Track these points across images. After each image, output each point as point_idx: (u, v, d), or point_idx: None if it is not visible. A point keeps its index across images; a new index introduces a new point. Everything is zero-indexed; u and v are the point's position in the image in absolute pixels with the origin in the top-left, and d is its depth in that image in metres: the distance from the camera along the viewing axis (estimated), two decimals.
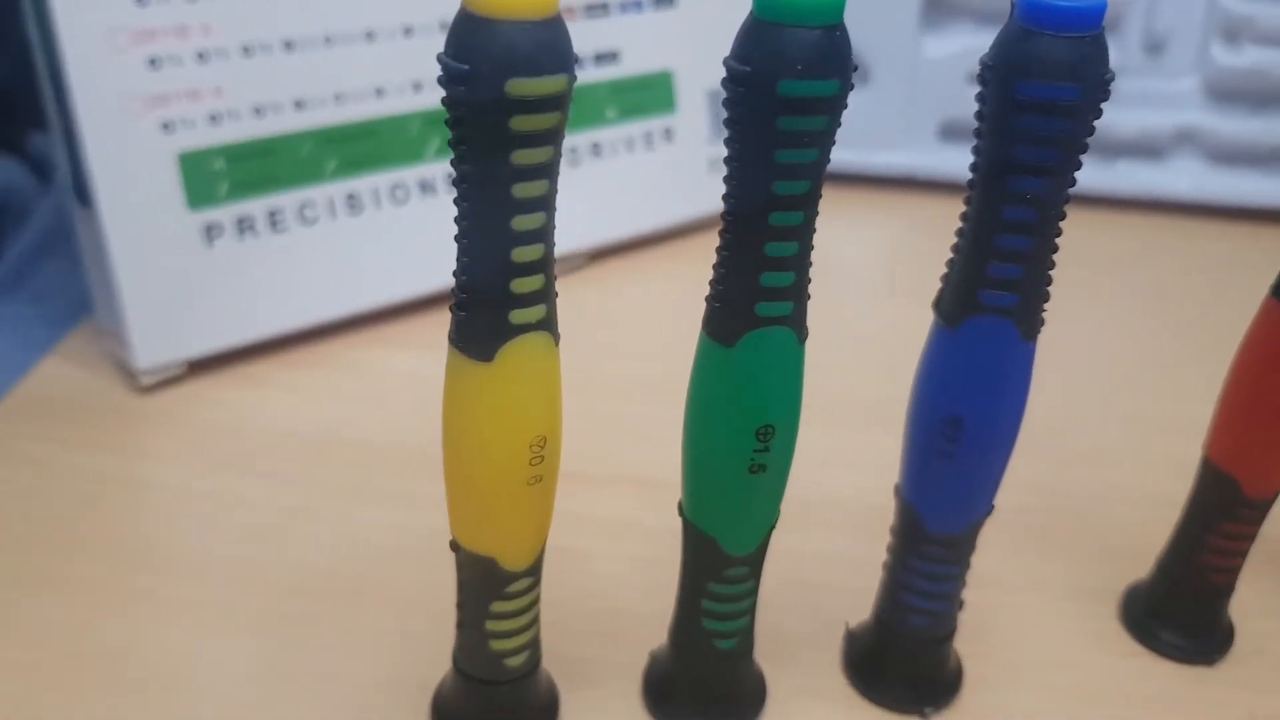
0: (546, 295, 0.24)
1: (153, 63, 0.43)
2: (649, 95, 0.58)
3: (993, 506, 0.30)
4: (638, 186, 0.58)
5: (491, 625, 0.28)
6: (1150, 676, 0.35)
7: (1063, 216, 0.26)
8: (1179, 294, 0.62)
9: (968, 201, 0.26)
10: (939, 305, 0.28)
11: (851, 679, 0.33)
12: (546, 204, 0.23)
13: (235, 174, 0.45)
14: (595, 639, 0.35)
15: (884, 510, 0.32)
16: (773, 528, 0.29)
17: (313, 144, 0.47)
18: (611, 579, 0.37)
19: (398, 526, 0.39)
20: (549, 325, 0.25)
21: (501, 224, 0.23)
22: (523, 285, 0.23)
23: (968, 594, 0.37)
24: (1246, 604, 0.37)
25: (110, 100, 0.42)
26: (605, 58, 0.56)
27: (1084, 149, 0.25)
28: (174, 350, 0.45)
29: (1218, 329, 0.42)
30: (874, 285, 0.62)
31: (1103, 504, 0.43)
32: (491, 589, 0.28)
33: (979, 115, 0.25)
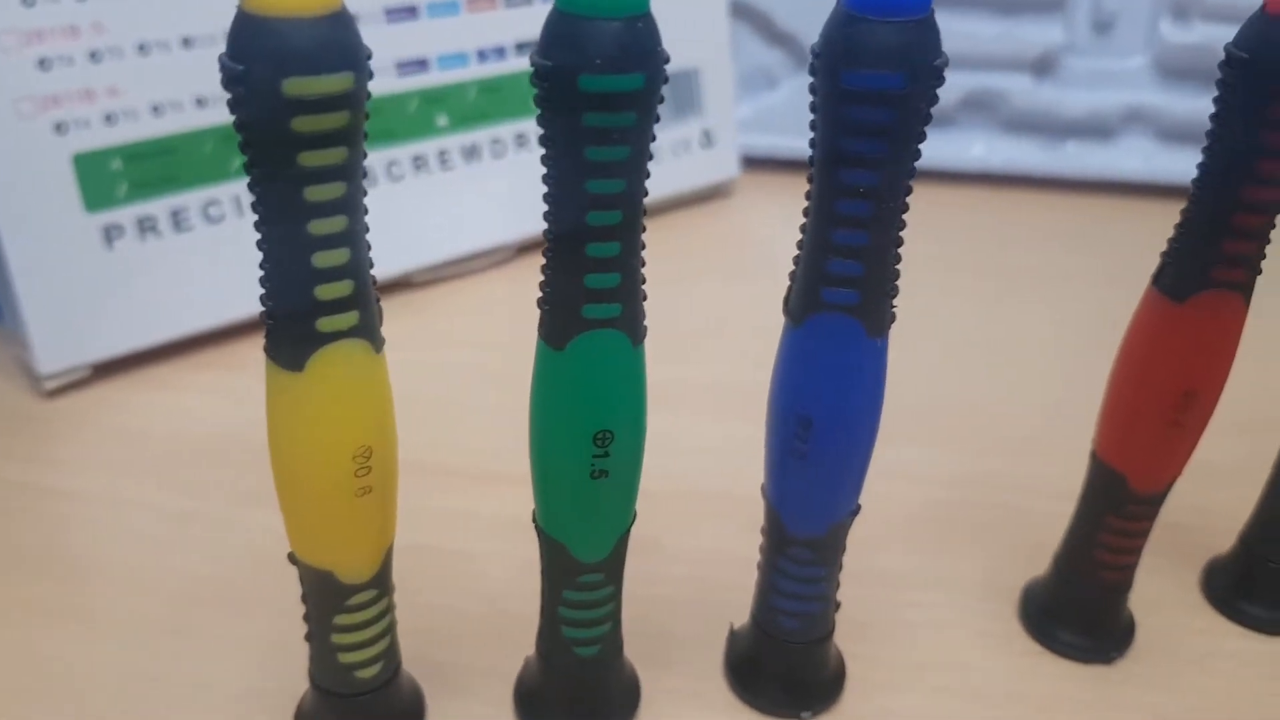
0: (359, 301, 0.23)
1: (42, 63, 0.42)
2: None
3: (858, 507, 0.29)
4: None
5: (337, 638, 0.28)
6: (1046, 677, 0.34)
7: (904, 209, 0.25)
8: (1129, 276, 0.60)
9: (808, 196, 0.26)
10: (786, 303, 0.27)
11: (731, 682, 0.33)
12: (347, 207, 0.22)
13: (134, 174, 0.45)
14: (476, 645, 0.34)
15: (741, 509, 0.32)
16: (626, 533, 0.28)
17: (215, 142, 0.46)
18: (499, 581, 0.37)
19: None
20: (365, 332, 0.24)
21: (298, 229, 0.22)
22: (328, 292, 0.23)
23: (867, 592, 0.37)
24: (1150, 598, 0.37)
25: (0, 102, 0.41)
26: (527, 47, 0.55)
27: (919, 139, 0.24)
28: (77, 354, 0.45)
29: None
30: None
31: (1021, 497, 0.42)
32: (332, 602, 0.27)
33: (811, 106, 0.24)
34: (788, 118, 0.67)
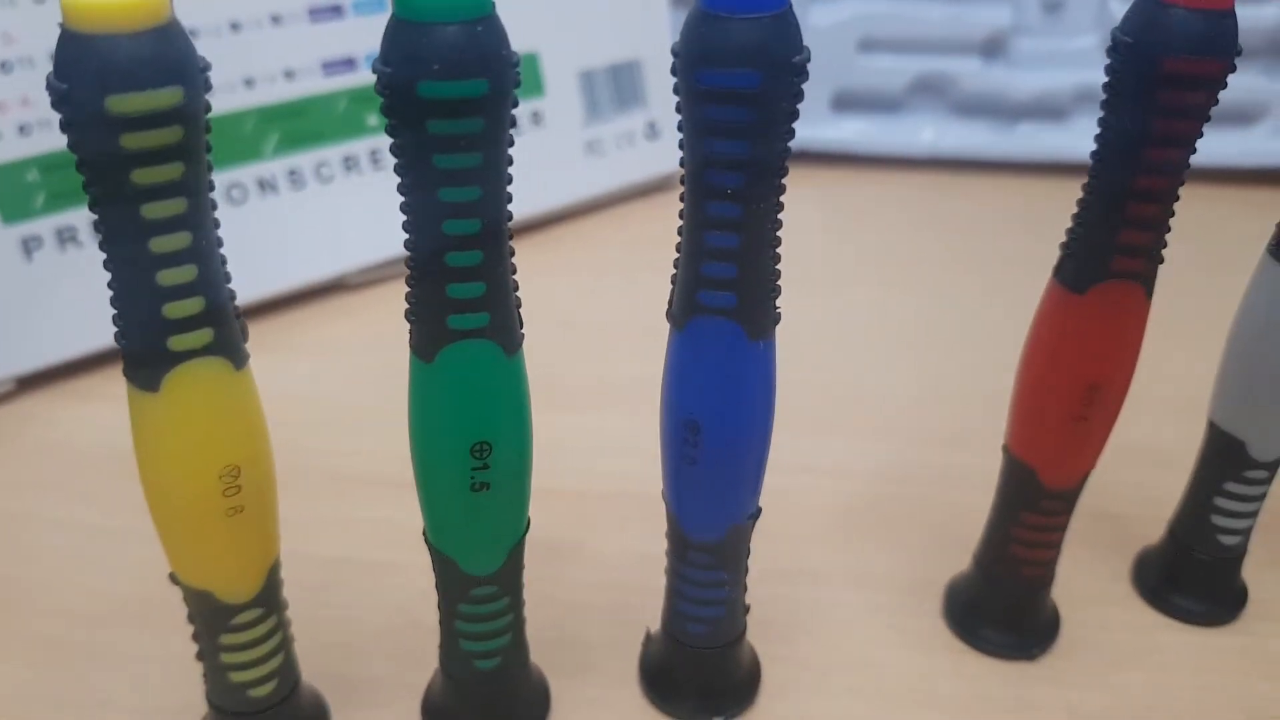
0: (213, 319, 0.23)
1: None
2: (524, 78, 0.56)
3: (758, 510, 0.29)
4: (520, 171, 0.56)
5: (226, 658, 0.27)
6: (968, 676, 0.33)
7: (778, 209, 0.24)
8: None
9: (682, 198, 0.25)
10: (669, 308, 0.26)
11: (645, 689, 0.32)
12: (190, 223, 0.22)
13: (52, 185, 0.44)
14: (388, 657, 0.34)
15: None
16: (519, 544, 0.27)
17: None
18: (417, 593, 0.36)
19: None
20: (224, 349, 0.23)
21: (139, 248, 0.21)
22: (177, 310, 0.22)
23: (789, 591, 0.36)
24: (1081, 590, 0.36)
25: None
26: None
27: (784, 137, 0.23)
28: None
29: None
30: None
31: (951, 490, 0.41)
32: (216, 621, 0.26)
33: (677, 107, 0.24)
34: None
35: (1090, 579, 0.37)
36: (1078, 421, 0.29)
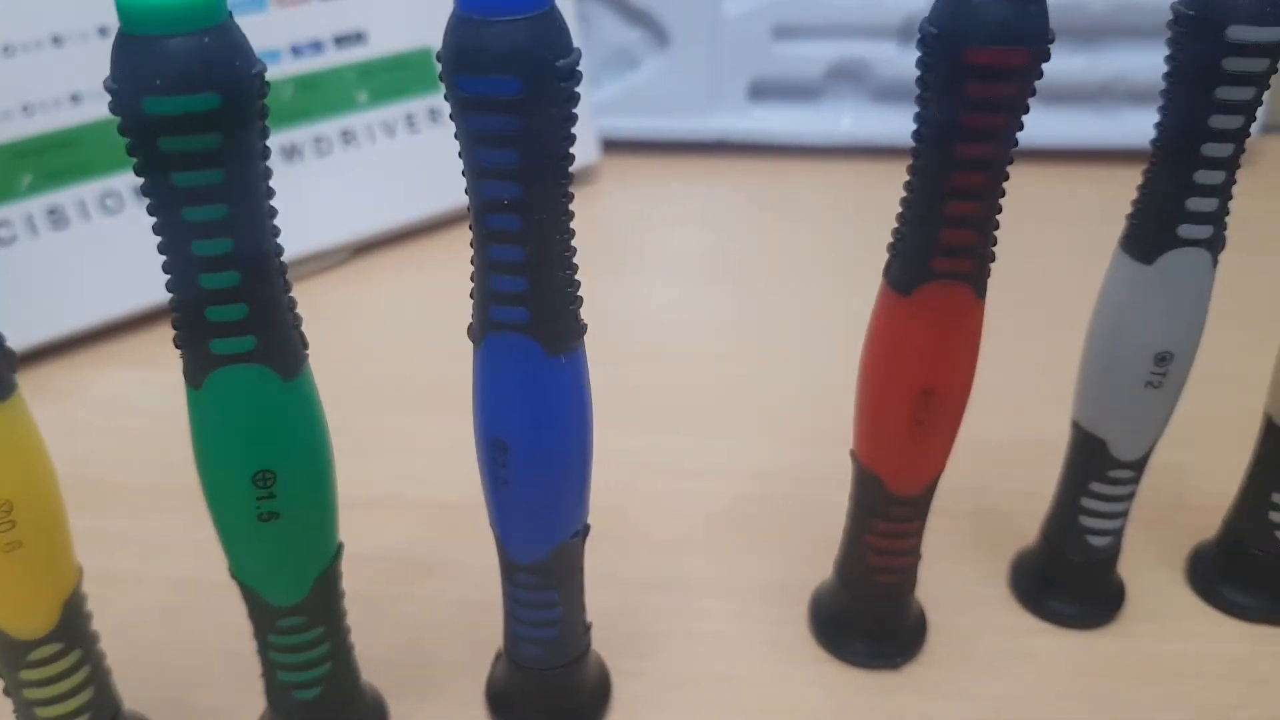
0: None
1: None
2: (406, 75, 0.55)
3: (585, 527, 0.28)
4: (402, 172, 0.55)
5: (28, 693, 0.26)
6: (830, 687, 0.32)
7: (567, 217, 0.23)
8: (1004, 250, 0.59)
9: (468, 209, 0.24)
10: (470, 325, 0.25)
11: (490, 711, 0.31)
12: None
13: None
14: (237, 686, 0.32)
15: None
16: (327, 573, 0.26)
17: (3, 158, 0.44)
18: None
19: None
20: None
21: None
22: None
23: (653, 601, 0.35)
24: (957, 594, 0.35)
25: None
26: (349, 39, 0.53)
27: (562, 143, 0.22)
28: None
29: (1043, 285, 0.39)
30: (690, 264, 0.59)
31: (833, 491, 0.40)
32: (12, 657, 0.25)
33: (450, 116, 0.22)
34: (652, 98, 0.65)
35: (967, 582, 0.36)
36: (916, 427, 0.28)
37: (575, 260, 0.24)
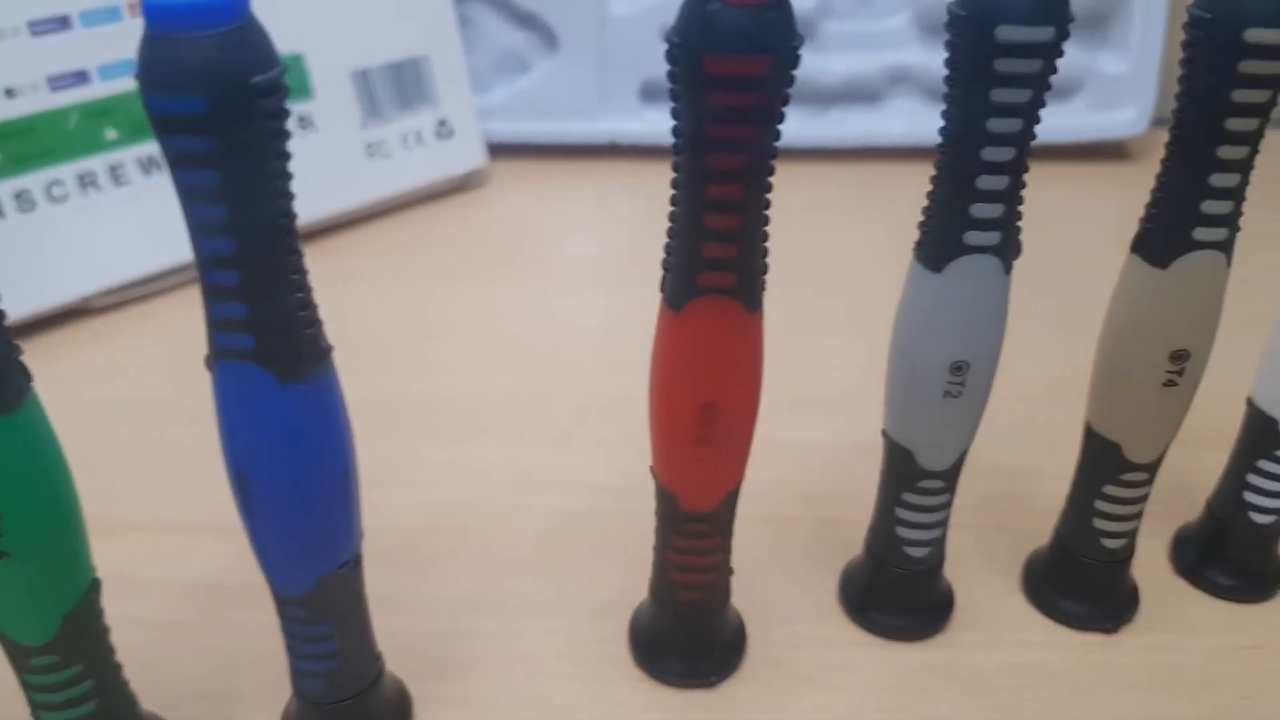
0: None
1: None
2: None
3: (353, 557, 0.27)
4: None
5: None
6: (641, 707, 0.32)
7: (289, 237, 0.22)
8: (899, 246, 0.58)
9: None
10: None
11: None
12: None
13: None
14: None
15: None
16: (78, 609, 0.25)
17: None
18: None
19: None
20: None
21: None
22: None
23: (467, 623, 0.34)
24: (785, 607, 0.35)
25: None
26: None
27: (274, 159, 0.21)
28: None
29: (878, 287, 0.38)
30: (584, 271, 0.58)
31: None
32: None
33: None
34: (542, 101, 0.64)
35: (796, 593, 0.36)
36: (700, 443, 0.27)
37: (308, 282, 0.23)
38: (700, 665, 0.32)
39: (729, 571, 0.32)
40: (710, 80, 0.23)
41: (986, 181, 0.27)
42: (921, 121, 0.64)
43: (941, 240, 0.28)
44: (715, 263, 0.25)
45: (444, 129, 0.60)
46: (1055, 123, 0.64)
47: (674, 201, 0.25)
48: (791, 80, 0.23)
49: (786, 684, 0.32)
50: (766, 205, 0.25)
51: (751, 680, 0.33)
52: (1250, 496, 0.35)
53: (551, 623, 0.34)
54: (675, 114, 0.24)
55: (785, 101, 0.24)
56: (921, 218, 0.28)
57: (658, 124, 0.65)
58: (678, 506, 0.29)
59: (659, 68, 0.66)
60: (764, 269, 0.26)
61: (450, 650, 0.33)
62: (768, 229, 0.26)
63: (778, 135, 0.24)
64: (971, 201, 0.27)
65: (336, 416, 0.25)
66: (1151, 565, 0.37)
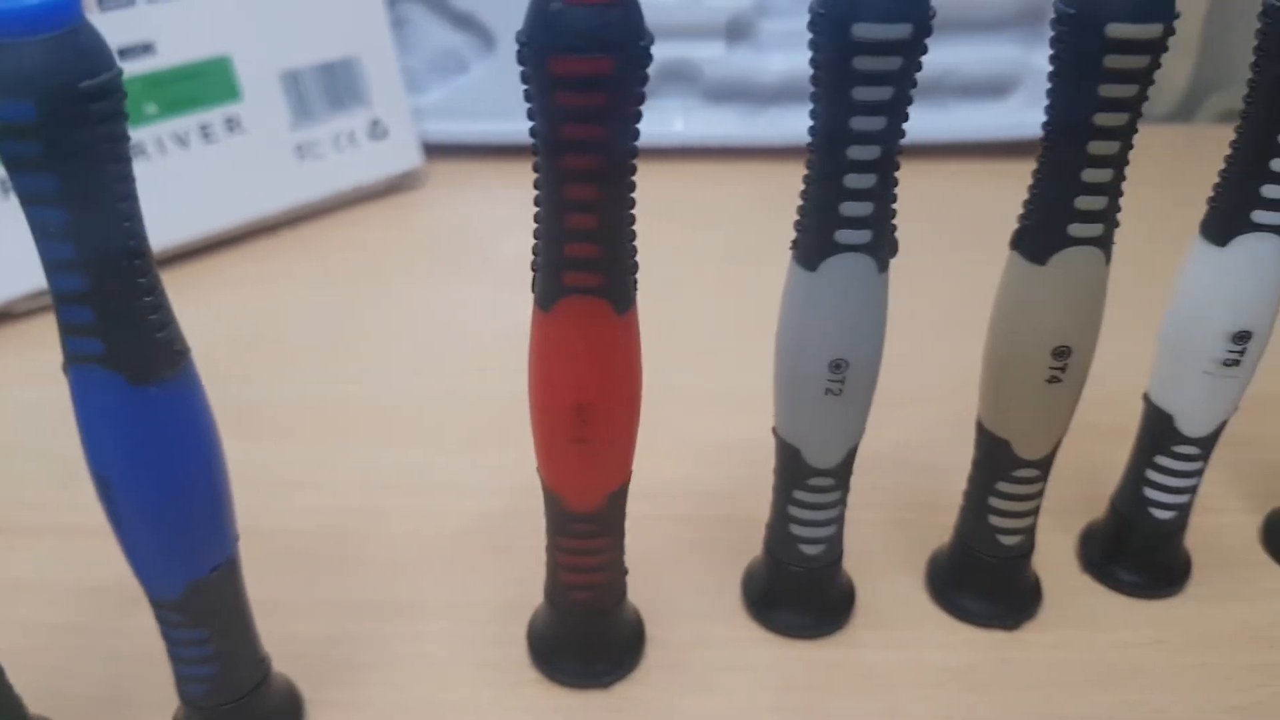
0: None
1: None
2: (200, 85, 0.53)
3: (226, 560, 0.27)
4: (198, 184, 0.53)
5: None
6: (535, 711, 0.32)
7: (136, 241, 0.22)
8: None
9: None
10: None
11: None
12: None
13: None
14: None
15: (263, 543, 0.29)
16: None
17: None
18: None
19: None
20: None
21: None
22: None
23: (367, 626, 0.34)
24: (683, 607, 0.35)
25: None
26: (135, 50, 0.51)
27: (119, 164, 0.21)
28: None
29: None
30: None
31: None
32: None
33: None
34: (480, 101, 0.64)
35: (699, 591, 0.36)
36: (578, 444, 0.27)
37: (158, 284, 0.23)
38: (594, 666, 0.32)
39: (622, 571, 0.32)
40: (556, 80, 0.23)
41: (854, 180, 0.27)
42: None
43: (814, 239, 0.28)
44: (579, 262, 0.25)
45: (377, 129, 0.60)
46: (992, 120, 0.64)
47: (537, 202, 0.25)
48: (643, 79, 0.23)
49: (683, 684, 0.32)
50: (630, 204, 0.25)
51: (648, 680, 0.32)
52: (1150, 493, 0.35)
53: (452, 625, 0.34)
54: (530, 114, 0.24)
55: (639, 100, 0.24)
56: (797, 216, 0.28)
57: None
58: (562, 507, 0.29)
59: None
60: (633, 268, 0.26)
61: (348, 653, 0.33)
62: (634, 228, 0.26)
63: (635, 134, 0.24)
64: (841, 200, 0.27)
65: (196, 419, 0.24)
66: (1059, 561, 0.37)
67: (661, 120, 0.65)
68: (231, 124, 0.54)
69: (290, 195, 0.57)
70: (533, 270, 0.26)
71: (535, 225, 0.26)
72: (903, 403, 0.44)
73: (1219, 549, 0.37)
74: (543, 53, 0.22)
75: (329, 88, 0.58)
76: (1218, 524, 0.39)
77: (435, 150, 0.64)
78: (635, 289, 0.26)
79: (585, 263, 0.25)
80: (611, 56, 0.22)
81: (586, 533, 0.30)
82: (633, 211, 0.25)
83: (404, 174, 0.61)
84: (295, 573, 0.36)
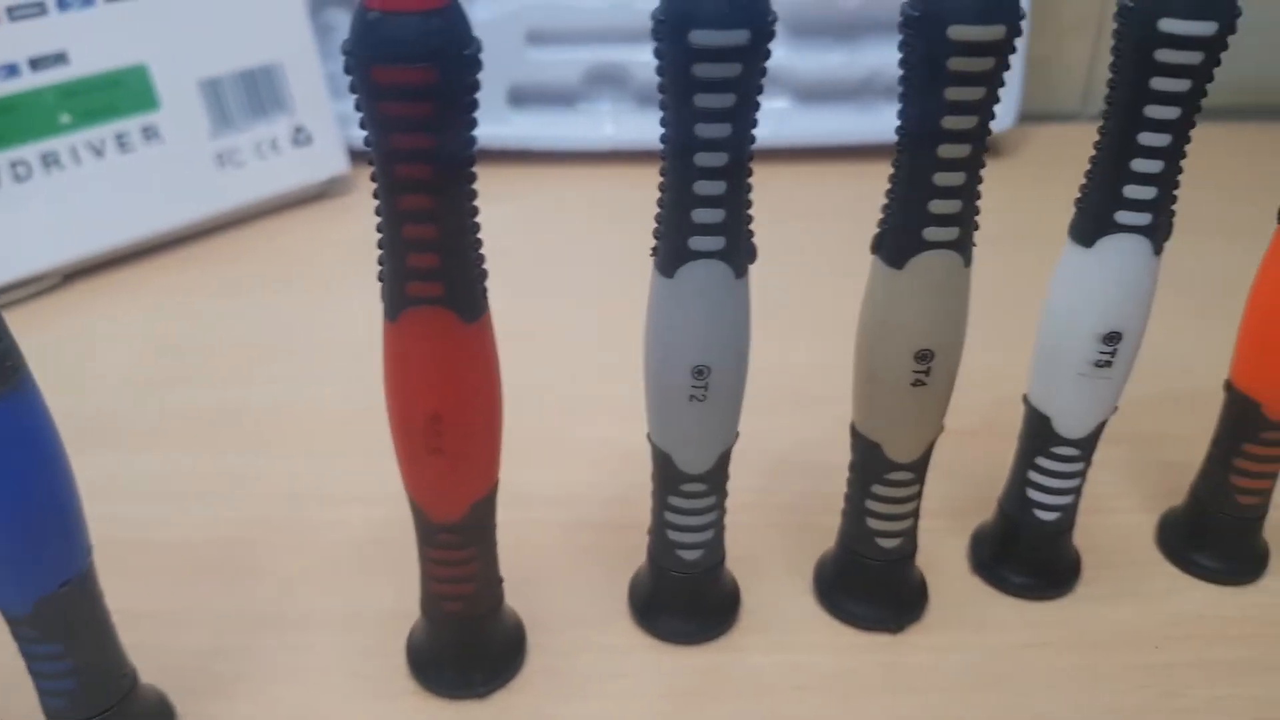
0: None
1: None
2: (116, 94, 0.53)
3: (76, 575, 0.26)
4: (114, 193, 0.53)
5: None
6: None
7: None
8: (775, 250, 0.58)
9: None
10: None
11: None
12: None
13: None
14: None
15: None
16: None
17: None
18: None
19: None
20: None
21: None
22: None
23: (250, 639, 0.34)
24: (568, 613, 0.35)
25: None
26: (47, 60, 0.51)
27: None
28: None
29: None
30: None
31: None
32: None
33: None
34: None
35: (584, 597, 0.35)
36: (435, 454, 0.27)
37: None
38: (470, 676, 0.32)
39: (496, 580, 0.32)
40: (380, 90, 0.23)
41: (704, 187, 0.27)
42: (790, 123, 0.64)
43: (669, 246, 0.28)
44: (420, 272, 0.25)
45: (301, 136, 0.59)
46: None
47: (378, 212, 0.25)
48: (472, 87, 0.23)
49: (561, 691, 0.32)
50: (472, 213, 0.25)
51: (526, 689, 0.32)
52: (1033, 494, 0.35)
53: (338, 637, 0.34)
54: (362, 124, 0.24)
55: (471, 108, 0.24)
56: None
57: (525, 129, 0.65)
58: (426, 518, 0.29)
59: (525, 72, 0.66)
60: (480, 276, 0.26)
61: (230, 666, 0.33)
62: (478, 236, 0.25)
63: (469, 142, 0.24)
64: (693, 207, 0.27)
65: (32, 436, 0.24)
66: (950, 564, 0.37)
67: (592, 124, 0.64)
68: (149, 133, 0.54)
69: (210, 204, 0.56)
70: (379, 280, 0.26)
71: (378, 235, 0.26)
72: (802, 405, 0.44)
73: (1112, 549, 0.38)
74: (365, 62, 0.22)
75: (250, 95, 0.57)
76: (1113, 524, 0.39)
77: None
78: (485, 296, 0.26)
79: (427, 273, 0.25)
80: (434, 65, 0.22)
81: (452, 543, 0.29)
82: (476, 220, 0.25)
83: (330, 180, 0.61)
84: (186, 585, 0.36)
